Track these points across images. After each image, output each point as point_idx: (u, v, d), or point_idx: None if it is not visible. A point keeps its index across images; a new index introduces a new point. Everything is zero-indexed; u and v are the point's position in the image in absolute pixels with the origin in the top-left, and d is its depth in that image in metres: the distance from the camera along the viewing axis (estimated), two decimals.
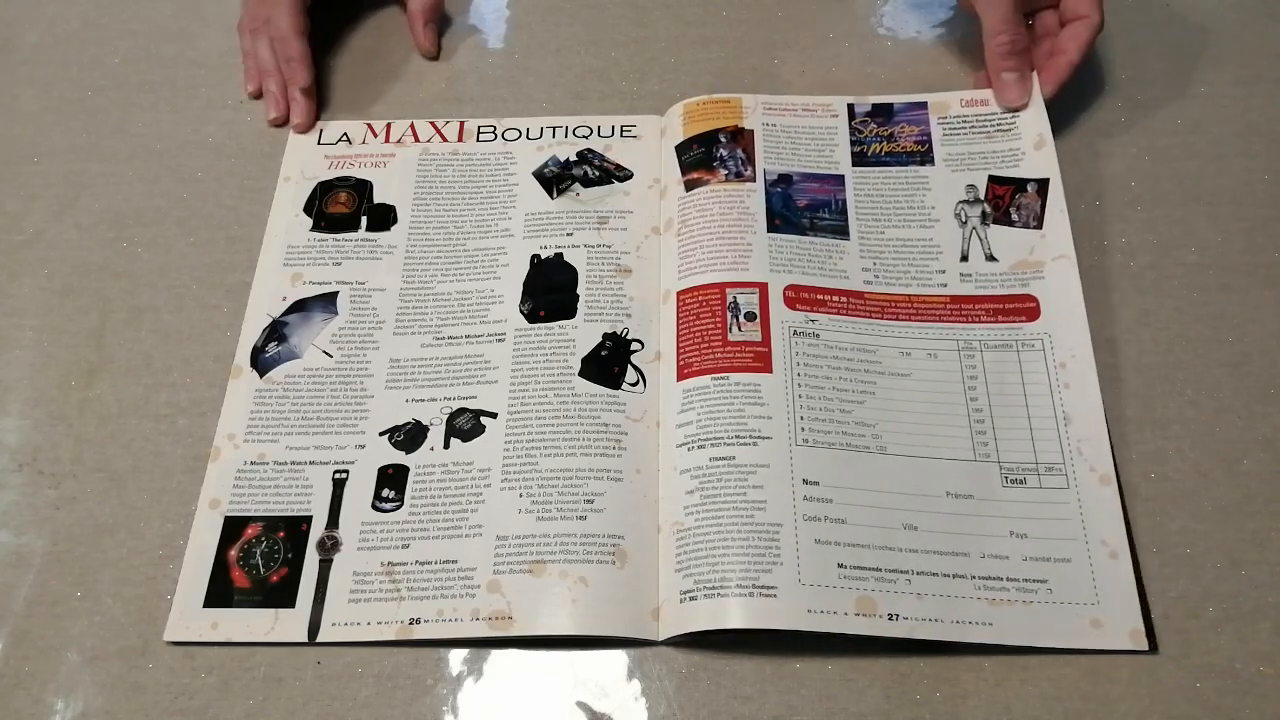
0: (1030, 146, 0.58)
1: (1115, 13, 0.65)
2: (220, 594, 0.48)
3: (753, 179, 0.58)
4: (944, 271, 0.55)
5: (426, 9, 0.67)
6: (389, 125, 0.64)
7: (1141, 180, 0.60)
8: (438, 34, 0.68)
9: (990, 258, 0.56)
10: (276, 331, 0.55)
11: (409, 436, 0.52)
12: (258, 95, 0.66)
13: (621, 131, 0.63)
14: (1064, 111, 0.62)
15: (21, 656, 0.48)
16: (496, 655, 0.47)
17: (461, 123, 0.64)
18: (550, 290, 0.56)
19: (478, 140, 0.63)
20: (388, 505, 0.50)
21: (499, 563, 0.48)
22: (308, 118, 0.64)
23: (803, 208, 0.57)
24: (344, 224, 0.60)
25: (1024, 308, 0.54)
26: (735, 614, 0.45)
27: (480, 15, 0.71)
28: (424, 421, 0.53)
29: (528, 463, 0.51)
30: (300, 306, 0.57)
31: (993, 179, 0.58)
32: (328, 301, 0.57)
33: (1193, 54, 0.65)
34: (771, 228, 0.56)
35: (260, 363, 0.55)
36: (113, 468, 0.52)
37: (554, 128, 0.63)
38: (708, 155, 0.59)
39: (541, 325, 0.55)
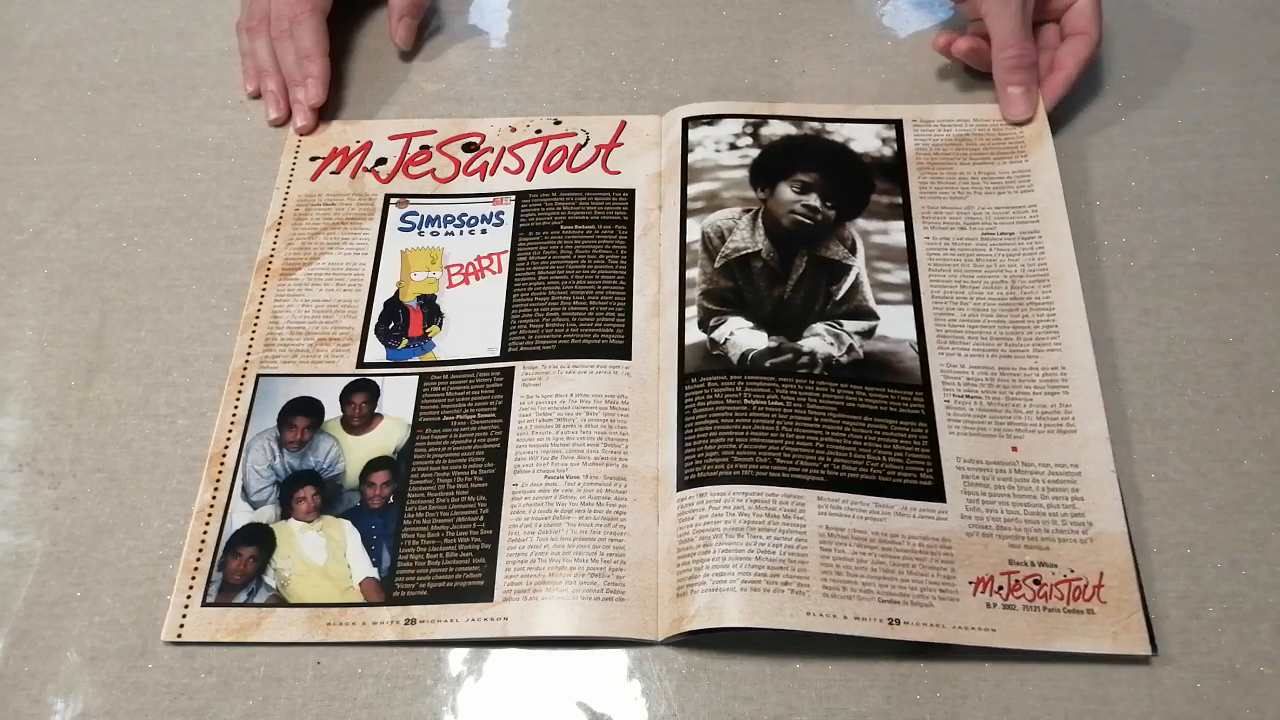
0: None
1: (1115, 12, 0.65)
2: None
3: None
4: None
5: (405, 4, 0.67)
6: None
7: (1141, 180, 0.60)
8: (415, 31, 0.68)
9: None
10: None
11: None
12: (257, 95, 0.66)
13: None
14: (1064, 111, 0.62)
15: (21, 656, 0.48)
16: (496, 655, 0.47)
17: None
18: None
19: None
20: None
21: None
22: (312, 123, 0.64)
23: None
24: None
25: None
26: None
27: (480, 15, 0.71)
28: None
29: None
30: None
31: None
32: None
33: (1193, 54, 0.65)
34: None
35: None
36: (113, 468, 0.52)
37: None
38: None
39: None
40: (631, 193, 0.60)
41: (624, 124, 0.63)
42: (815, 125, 0.61)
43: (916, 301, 0.55)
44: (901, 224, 0.57)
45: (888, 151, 0.60)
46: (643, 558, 0.48)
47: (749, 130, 0.61)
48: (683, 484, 0.49)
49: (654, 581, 0.48)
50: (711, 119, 0.62)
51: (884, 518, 0.48)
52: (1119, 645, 0.45)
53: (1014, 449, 0.50)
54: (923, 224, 0.57)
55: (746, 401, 0.51)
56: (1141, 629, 0.45)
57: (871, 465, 0.49)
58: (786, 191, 0.58)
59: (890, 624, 0.45)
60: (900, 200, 0.58)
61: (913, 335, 0.53)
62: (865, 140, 0.61)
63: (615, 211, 0.60)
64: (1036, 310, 0.54)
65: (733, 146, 0.60)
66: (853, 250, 0.56)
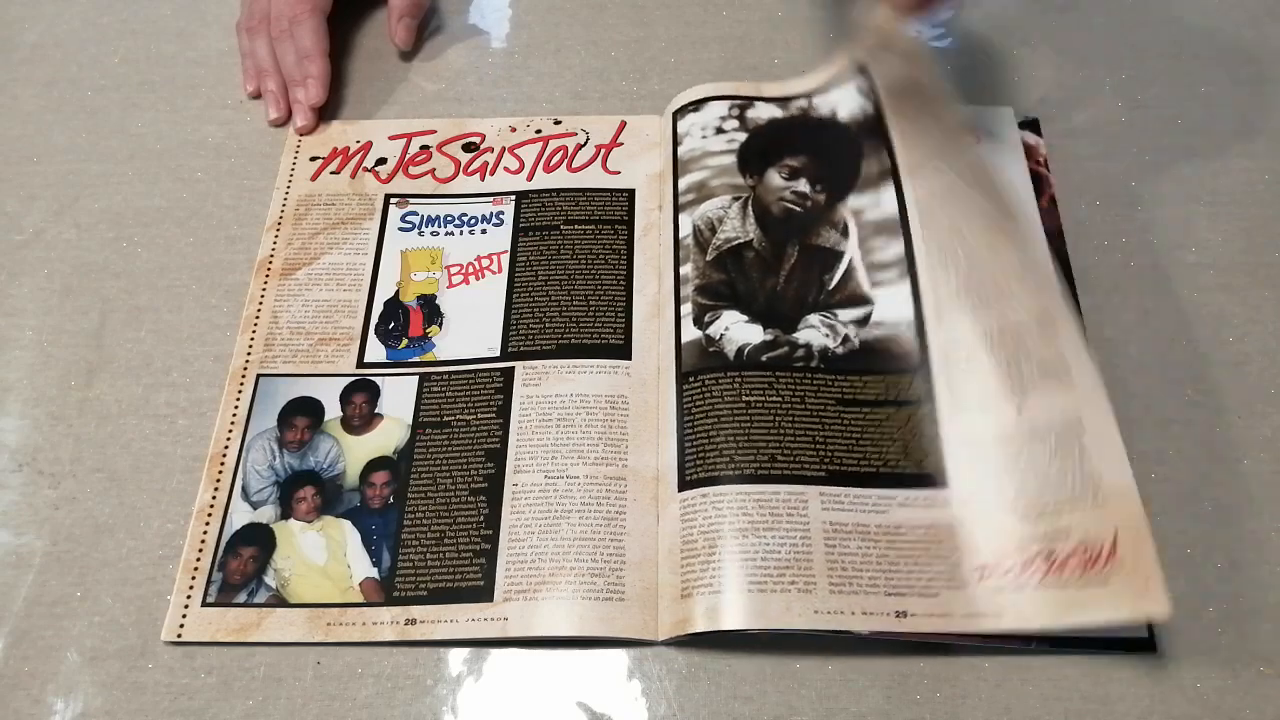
0: None
1: (1115, 12, 0.65)
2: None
3: None
4: None
5: (405, 4, 0.67)
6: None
7: (1141, 180, 0.60)
8: (414, 31, 0.68)
9: None
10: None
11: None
12: (257, 95, 0.66)
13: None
14: (1063, 111, 0.62)
15: (21, 656, 0.48)
16: (496, 655, 0.47)
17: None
18: None
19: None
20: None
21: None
22: (312, 123, 0.64)
23: None
24: None
25: None
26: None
27: (480, 15, 0.71)
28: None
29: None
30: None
31: None
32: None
33: (1193, 54, 0.65)
34: None
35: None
36: (113, 468, 0.52)
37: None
38: None
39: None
40: (631, 193, 0.60)
41: (624, 124, 0.63)
42: (801, 104, 0.61)
43: (913, 273, 0.54)
44: (892, 188, 0.57)
45: (869, 107, 0.59)
46: (643, 558, 0.48)
47: (735, 113, 0.61)
48: (684, 484, 0.49)
49: (654, 581, 0.48)
50: (697, 104, 0.61)
51: (887, 509, 0.48)
52: (1139, 607, 0.42)
53: (1019, 412, 0.48)
54: (910, 179, 0.56)
55: (745, 398, 0.51)
56: (1161, 588, 0.41)
57: (872, 457, 0.49)
58: (775, 178, 0.58)
59: (898, 617, 0.45)
60: (889, 162, 0.57)
61: (909, 315, 0.53)
62: (849, 103, 0.60)
63: (615, 211, 0.60)
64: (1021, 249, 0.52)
65: (719, 130, 0.60)
66: (845, 234, 0.56)
